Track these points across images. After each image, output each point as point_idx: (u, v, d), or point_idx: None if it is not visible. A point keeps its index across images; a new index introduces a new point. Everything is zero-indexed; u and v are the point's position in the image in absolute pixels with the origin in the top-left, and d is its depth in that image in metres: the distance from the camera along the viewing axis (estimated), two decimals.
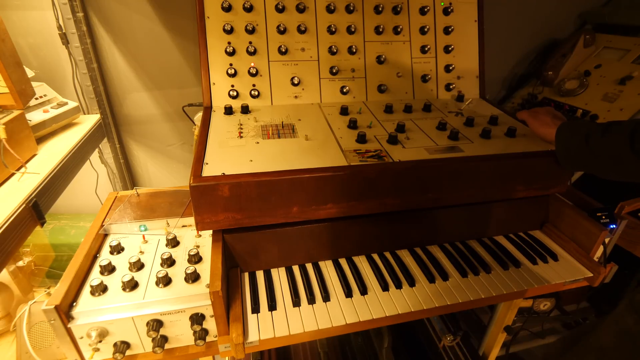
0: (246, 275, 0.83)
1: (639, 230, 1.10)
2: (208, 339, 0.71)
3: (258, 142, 0.84)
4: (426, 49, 1.11)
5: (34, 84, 0.94)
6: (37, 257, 1.30)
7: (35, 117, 1.00)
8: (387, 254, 0.91)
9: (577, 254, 0.91)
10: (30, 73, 0.94)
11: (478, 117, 1.00)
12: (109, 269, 0.73)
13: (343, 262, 0.88)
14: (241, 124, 0.92)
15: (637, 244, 1.13)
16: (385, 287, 0.81)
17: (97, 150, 1.30)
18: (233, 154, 0.79)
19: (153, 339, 0.68)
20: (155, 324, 0.67)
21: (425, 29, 1.10)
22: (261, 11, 1.01)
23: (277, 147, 0.82)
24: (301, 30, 1.03)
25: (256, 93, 1.02)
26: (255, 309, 0.75)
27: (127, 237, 0.82)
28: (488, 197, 0.88)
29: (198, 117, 1.05)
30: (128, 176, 1.46)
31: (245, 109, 0.98)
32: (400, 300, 0.79)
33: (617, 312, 0.75)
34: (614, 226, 0.88)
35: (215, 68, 1.00)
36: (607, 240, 0.86)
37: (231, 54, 1.00)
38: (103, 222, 0.84)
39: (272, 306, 0.75)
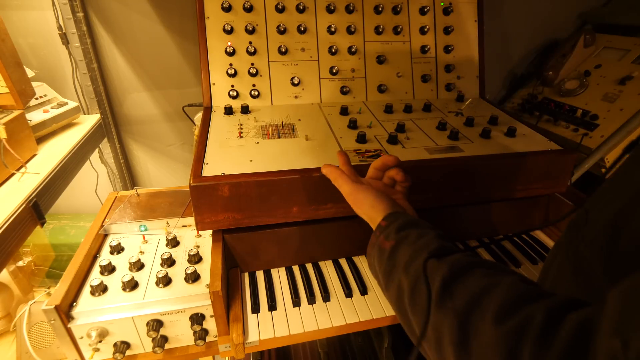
0: (246, 275, 0.83)
1: None
2: (208, 339, 0.71)
3: (258, 142, 0.84)
4: (426, 49, 1.11)
5: (34, 84, 0.94)
6: (37, 257, 1.30)
7: (35, 117, 1.00)
8: None
9: None
10: (30, 73, 0.94)
11: (478, 117, 1.00)
12: (109, 269, 0.73)
13: (343, 262, 0.88)
14: (241, 124, 0.92)
15: None
16: None
17: (97, 150, 1.30)
18: (233, 154, 0.79)
19: (153, 339, 0.68)
20: (155, 324, 0.67)
21: (425, 29, 1.10)
22: (261, 11, 1.01)
23: (277, 147, 0.82)
24: (301, 30, 1.03)
25: (256, 93, 1.02)
26: (255, 309, 0.75)
27: (127, 237, 0.82)
28: (488, 197, 0.88)
29: (198, 117, 1.05)
30: (128, 176, 1.46)
31: (245, 109, 0.97)
32: None
33: None
34: None
35: (215, 68, 1.00)
36: None
37: (231, 54, 1.00)
38: (103, 222, 0.84)
39: (272, 306, 0.75)
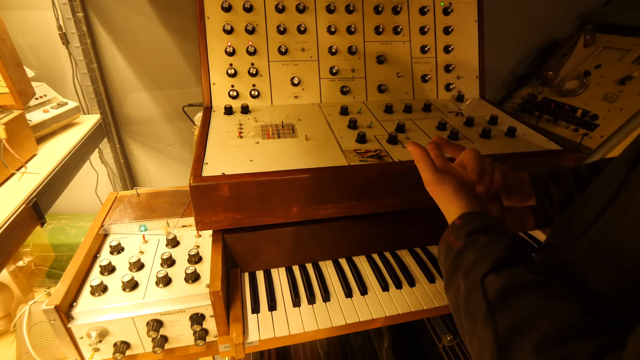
0: (246, 275, 0.83)
1: None
2: (208, 339, 0.71)
3: (258, 142, 0.84)
4: (426, 49, 1.11)
5: (34, 84, 0.94)
6: (37, 257, 1.30)
7: (35, 117, 1.00)
8: (387, 254, 0.90)
9: None
10: (30, 73, 0.94)
11: (478, 117, 1.00)
12: (109, 269, 0.73)
13: (343, 262, 0.88)
14: (241, 124, 0.92)
15: None
16: (385, 287, 0.81)
17: (97, 150, 1.30)
18: (233, 154, 0.79)
19: (153, 339, 0.68)
20: (155, 324, 0.67)
21: (425, 29, 1.10)
22: (261, 11, 1.01)
23: (277, 147, 0.82)
24: (301, 30, 1.03)
25: (256, 93, 1.02)
26: (255, 309, 0.75)
27: (127, 237, 0.82)
28: None
29: (198, 117, 1.05)
30: (128, 176, 1.46)
31: (245, 109, 0.98)
32: (400, 300, 0.79)
33: None
34: None
35: (215, 68, 1.00)
36: None
37: (231, 54, 1.00)
38: (103, 222, 0.84)
39: (272, 306, 0.75)
